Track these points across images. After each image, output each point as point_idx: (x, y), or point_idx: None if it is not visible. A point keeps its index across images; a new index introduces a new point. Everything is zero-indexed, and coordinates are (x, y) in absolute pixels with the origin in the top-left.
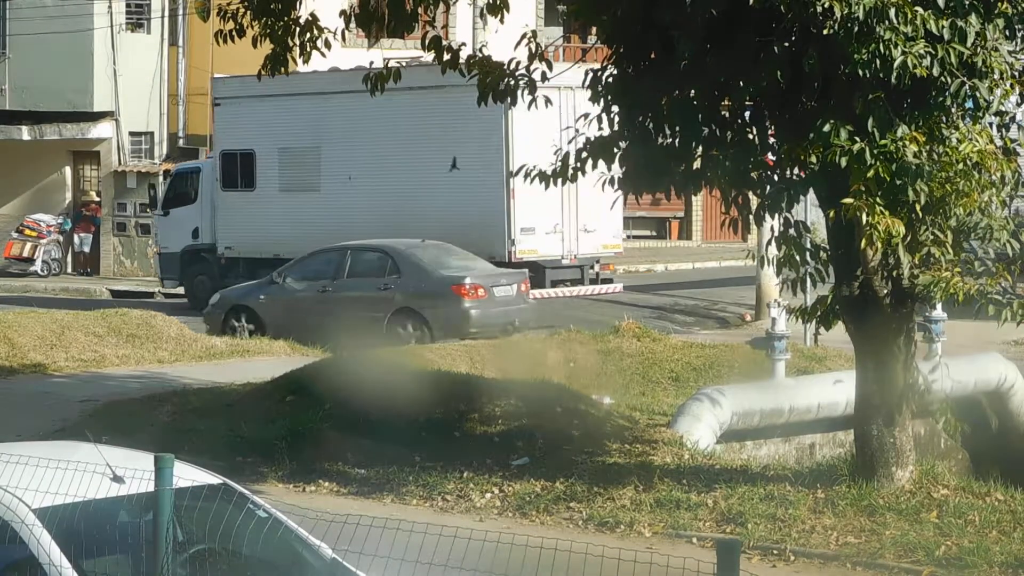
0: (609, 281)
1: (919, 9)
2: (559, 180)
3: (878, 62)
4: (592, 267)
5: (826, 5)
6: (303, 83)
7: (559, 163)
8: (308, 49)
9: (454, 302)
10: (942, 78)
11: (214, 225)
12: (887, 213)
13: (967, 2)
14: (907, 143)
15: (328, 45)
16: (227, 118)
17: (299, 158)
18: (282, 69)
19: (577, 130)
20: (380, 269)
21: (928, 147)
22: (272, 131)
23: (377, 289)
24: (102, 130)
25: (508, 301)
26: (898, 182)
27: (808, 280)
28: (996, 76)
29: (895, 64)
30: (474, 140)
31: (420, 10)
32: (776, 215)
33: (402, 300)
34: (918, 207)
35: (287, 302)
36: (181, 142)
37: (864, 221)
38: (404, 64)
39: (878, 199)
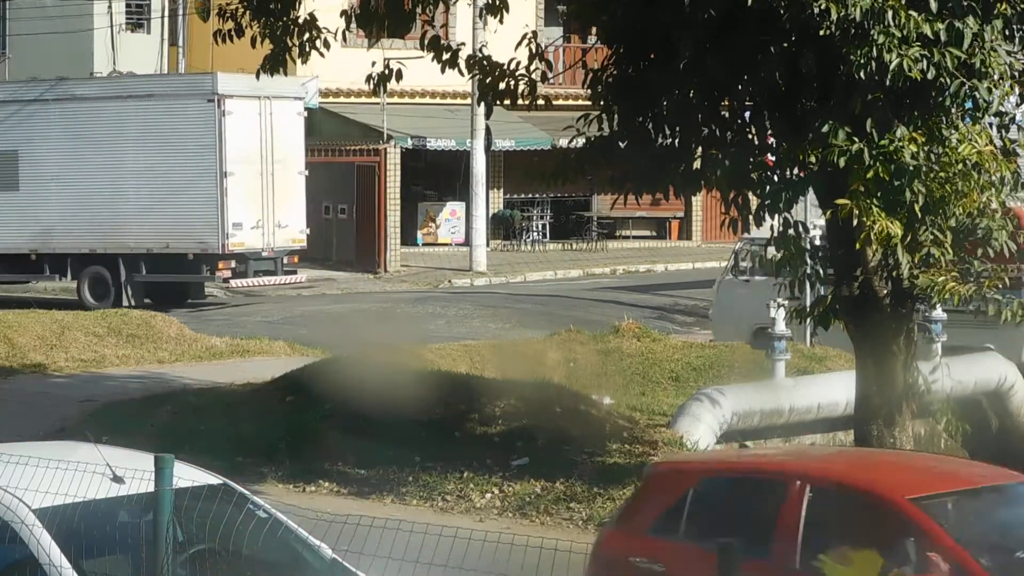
0: (294, 272)
1: (913, 13)
2: (559, 180)
3: (873, 64)
4: (283, 259)
5: (823, 7)
6: None
7: (558, 164)
8: (307, 49)
9: None
10: (941, 79)
11: None
12: (883, 215)
13: (965, 3)
14: (905, 144)
15: (327, 45)
16: None
17: None
18: (280, 69)
19: (578, 130)
20: None
21: (927, 148)
22: None
23: None
24: None
25: None
26: (896, 183)
27: (807, 280)
28: (995, 77)
29: (890, 67)
30: (189, 143)
31: (418, 10)
32: (776, 215)
33: None
34: (917, 207)
35: None
36: None
37: (856, 222)
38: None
39: (875, 200)
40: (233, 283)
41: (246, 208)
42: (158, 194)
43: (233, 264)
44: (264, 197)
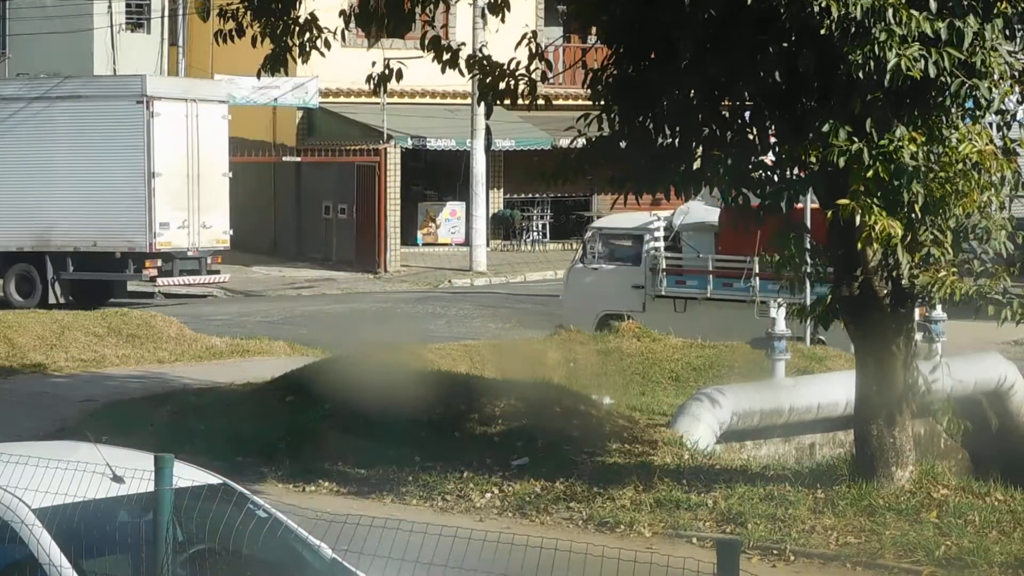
0: (217, 272)
1: (915, 12)
2: (559, 180)
3: (872, 63)
4: (208, 259)
5: (823, 5)
6: None
7: (558, 164)
8: (308, 49)
9: None
10: (941, 78)
11: None
12: (884, 214)
13: (965, 3)
14: (905, 143)
15: (328, 45)
16: None
17: None
18: (281, 69)
19: (579, 131)
20: None
21: (927, 147)
22: None
23: None
24: None
25: None
26: (896, 183)
27: (807, 280)
28: (996, 76)
29: (888, 66)
30: (118, 144)
31: (418, 10)
32: (775, 215)
33: None
34: (917, 207)
35: None
36: None
37: (858, 222)
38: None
39: (876, 199)
40: (159, 281)
41: (173, 208)
42: (87, 193)
43: (159, 263)
44: (190, 198)
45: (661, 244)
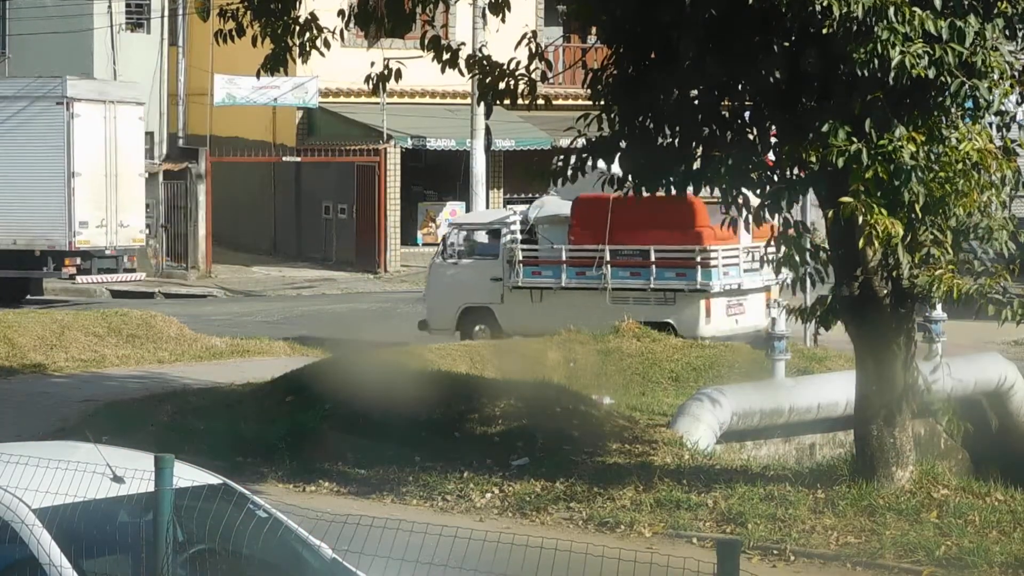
0: (133, 271)
1: (917, 9)
2: (559, 180)
3: (876, 62)
4: (124, 258)
5: (825, 4)
6: None
7: (559, 163)
8: (307, 49)
9: None
10: (941, 78)
11: None
12: (885, 213)
13: (966, 2)
14: (904, 143)
15: (327, 45)
16: None
17: None
18: (281, 69)
19: (579, 131)
20: None
21: (927, 147)
22: None
23: None
24: None
25: None
26: (895, 183)
27: (808, 280)
28: (996, 76)
29: (892, 64)
30: (39, 144)
31: (418, 10)
32: (776, 215)
33: None
34: (917, 207)
35: None
36: (181, 142)
37: (860, 221)
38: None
39: (876, 199)
40: (78, 279)
41: (92, 207)
42: (7, 192)
43: (78, 261)
44: (108, 197)
45: (518, 237)
